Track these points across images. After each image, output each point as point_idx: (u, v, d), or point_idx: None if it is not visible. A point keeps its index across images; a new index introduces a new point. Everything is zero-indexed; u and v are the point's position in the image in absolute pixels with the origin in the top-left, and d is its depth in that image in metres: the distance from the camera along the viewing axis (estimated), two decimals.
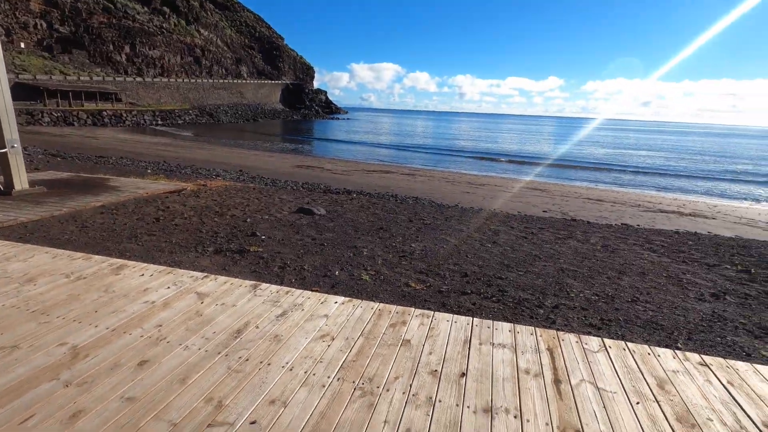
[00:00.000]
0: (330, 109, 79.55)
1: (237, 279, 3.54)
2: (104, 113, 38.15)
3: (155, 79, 50.03)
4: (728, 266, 5.10)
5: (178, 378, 2.23)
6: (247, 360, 2.42)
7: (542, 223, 7.43)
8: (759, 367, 2.62)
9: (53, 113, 34.68)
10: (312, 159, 22.16)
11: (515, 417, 2.07)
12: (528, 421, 2.05)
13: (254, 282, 3.49)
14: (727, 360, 2.68)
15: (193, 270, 3.75)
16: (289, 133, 41.51)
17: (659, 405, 2.21)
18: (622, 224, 8.18)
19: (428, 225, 6.41)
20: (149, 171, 11.71)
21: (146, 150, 19.79)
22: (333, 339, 2.69)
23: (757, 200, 16.94)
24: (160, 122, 42.89)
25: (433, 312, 3.11)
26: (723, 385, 2.42)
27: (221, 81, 59.97)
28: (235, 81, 62.97)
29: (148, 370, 2.29)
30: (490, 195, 12.87)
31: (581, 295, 3.83)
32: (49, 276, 3.43)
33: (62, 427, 1.87)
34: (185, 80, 54.03)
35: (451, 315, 3.07)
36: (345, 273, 4.02)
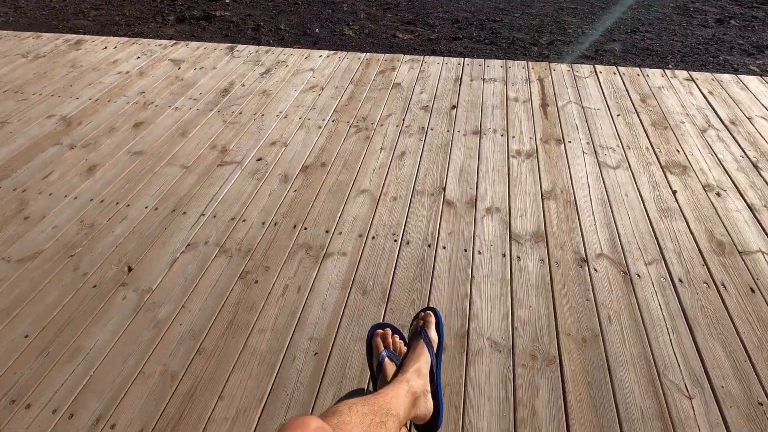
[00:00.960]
0: None
1: (210, 43, 3.26)
2: None
3: None
4: None
5: (177, 133, 2.29)
6: (241, 113, 2.44)
7: None
8: (742, 77, 2.68)
9: None
10: None
11: (501, 135, 2.21)
12: (513, 137, 2.20)
13: (229, 45, 3.22)
14: (714, 74, 2.71)
15: (160, 39, 3.42)
16: None
17: (638, 115, 2.35)
18: None
19: None
20: None
21: None
22: (322, 89, 2.65)
23: None
24: None
25: (423, 57, 2.98)
26: (703, 94, 2.51)
27: None
28: None
29: (146, 130, 2.33)
30: None
31: (578, 30, 3.61)
32: (4, 58, 3.14)
33: (83, 177, 2.01)
34: None
35: (442, 57, 2.95)
36: (326, 30, 3.69)
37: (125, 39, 3.36)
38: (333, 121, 2.35)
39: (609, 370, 1.25)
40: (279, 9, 4.17)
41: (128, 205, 1.85)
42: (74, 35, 3.46)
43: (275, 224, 1.74)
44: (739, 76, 2.68)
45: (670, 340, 1.32)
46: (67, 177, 2.02)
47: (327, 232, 1.70)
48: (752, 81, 2.63)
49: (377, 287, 1.49)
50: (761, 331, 1.34)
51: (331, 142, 2.19)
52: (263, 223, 1.75)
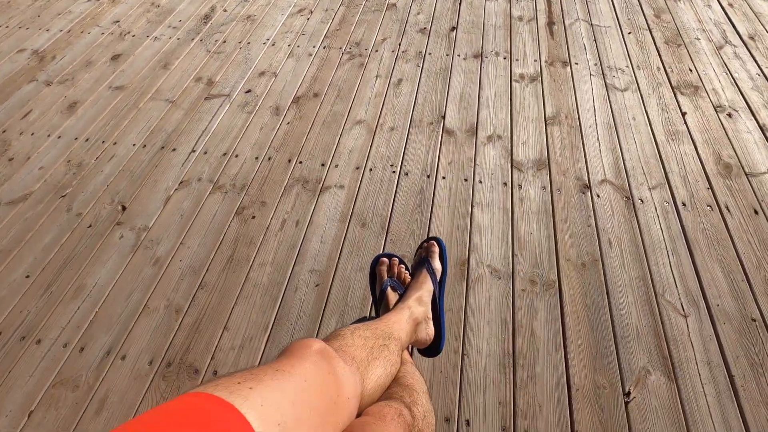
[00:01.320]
0: None
1: None
2: None
3: None
4: None
5: (159, 65, 2.15)
6: (225, 42, 2.27)
7: None
8: None
9: None
10: None
11: (504, 58, 2.08)
12: (517, 60, 2.07)
13: None
14: None
15: None
16: None
17: (650, 32, 2.19)
18: None
19: None
20: None
21: None
22: (311, 12, 2.45)
23: None
24: None
25: None
26: (722, 7, 2.33)
27: None
28: None
29: (125, 63, 2.18)
30: None
31: None
32: None
33: (64, 116, 1.92)
34: None
35: None
36: None
37: None
38: (324, 47, 2.20)
39: (607, 292, 1.27)
40: None
41: (115, 143, 1.78)
42: None
43: (269, 159, 1.68)
44: None
45: (669, 263, 1.33)
46: (47, 115, 1.92)
47: (323, 165, 1.65)
48: None
49: (376, 219, 1.47)
50: (761, 252, 1.35)
51: (323, 70, 2.06)
52: (257, 158, 1.69)
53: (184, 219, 1.50)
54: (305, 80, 2.02)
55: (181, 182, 1.61)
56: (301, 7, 2.48)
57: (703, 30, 2.19)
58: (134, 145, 1.76)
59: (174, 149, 1.74)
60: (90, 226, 1.49)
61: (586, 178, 1.56)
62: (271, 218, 1.49)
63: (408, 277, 1.15)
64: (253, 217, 1.49)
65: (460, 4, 2.43)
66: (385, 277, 1.12)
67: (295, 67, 2.09)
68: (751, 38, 2.13)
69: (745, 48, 2.07)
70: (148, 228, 1.48)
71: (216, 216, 1.50)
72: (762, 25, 2.20)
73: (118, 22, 2.46)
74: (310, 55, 2.15)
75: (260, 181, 1.61)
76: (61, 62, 2.20)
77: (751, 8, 2.31)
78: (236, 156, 1.70)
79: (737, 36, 2.14)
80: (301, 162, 1.66)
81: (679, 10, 2.32)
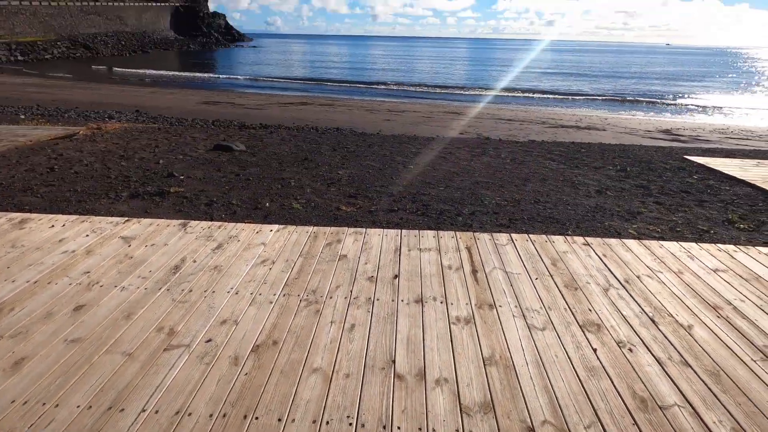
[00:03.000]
0: (232, 37, 71.23)
1: (163, 219, 3.43)
2: None
3: (2, 2, 40.33)
4: (610, 167, 5.96)
5: (122, 316, 2.26)
6: (191, 291, 2.49)
7: (459, 143, 7.89)
8: (626, 240, 3.29)
9: None
10: (219, 94, 20.34)
11: (441, 302, 2.44)
12: (452, 304, 2.43)
13: (182, 221, 3.42)
14: (604, 239, 3.31)
15: (111, 216, 3.55)
16: (190, 66, 37.03)
17: (552, 278, 2.73)
18: (528, 140, 8.95)
19: (352, 153, 6.51)
20: (23, 117, 10.03)
21: (11, 92, 16.66)
22: (273, 263, 2.82)
23: (640, 111, 19.21)
24: (20, 58, 35.48)
25: (365, 229, 3.35)
26: (599, 257, 3.02)
27: (93, 4, 49.84)
28: (111, 3, 52.86)
29: (87, 314, 2.27)
30: (411, 121, 13.09)
31: (493, 201, 4.32)
32: None
33: (7, 374, 1.85)
34: (44, 2, 44.05)
35: (382, 230, 3.34)
36: (275, 204, 4.07)
37: (75, 216, 3.45)
38: (284, 295, 2.47)
39: None
40: (231, 185, 4.59)
41: (57, 405, 1.70)
42: (19, 213, 3.50)
43: (224, 416, 1.67)
44: (623, 240, 3.30)
45: None
46: None
47: (279, 420, 1.66)
48: (633, 244, 3.23)
49: None
50: None
51: (283, 317, 2.27)
52: (211, 416, 1.67)
53: None
54: (265, 328, 2.19)
55: None
56: (264, 258, 2.87)
57: (590, 275, 2.78)
58: (78, 406, 1.70)
59: (122, 409, 1.69)
60: None
61: (529, 420, 1.69)
62: None
63: None
64: None
65: (399, 255, 2.95)
66: None
67: (257, 315, 2.28)
68: (627, 282, 2.72)
69: (624, 290, 2.63)
70: None
71: None
72: (631, 270, 2.85)
73: (88, 272, 2.65)
74: (271, 302, 2.40)
75: None
76: (19, 314, 2.24)
77: (619, 258, 3.02)
78: (189, 414, 1.67)
79: (616, 280, 2.74)
80: (257, 418, 1.67)
81: (568, 260, 2.97)
